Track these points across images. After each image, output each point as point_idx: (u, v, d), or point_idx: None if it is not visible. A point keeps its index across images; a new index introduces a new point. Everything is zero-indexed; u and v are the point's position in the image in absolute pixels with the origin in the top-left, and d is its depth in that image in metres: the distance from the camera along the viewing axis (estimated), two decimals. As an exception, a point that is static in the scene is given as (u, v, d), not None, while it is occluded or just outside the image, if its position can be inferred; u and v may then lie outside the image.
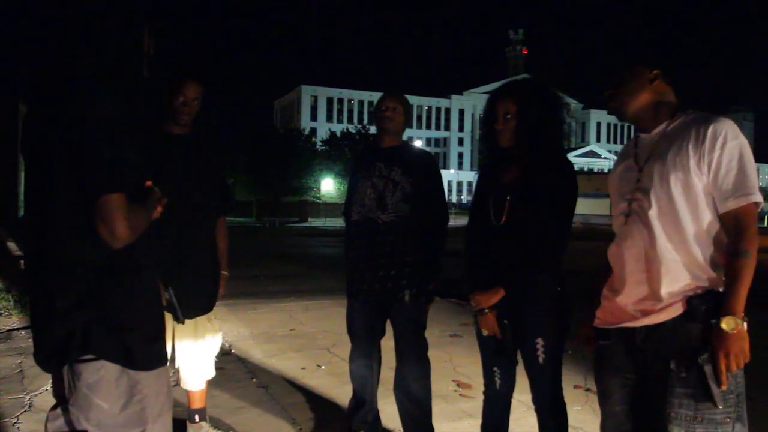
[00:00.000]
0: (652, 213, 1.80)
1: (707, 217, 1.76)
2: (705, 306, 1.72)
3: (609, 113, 1.96)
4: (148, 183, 1.70)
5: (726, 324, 1.64)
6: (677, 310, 1.76)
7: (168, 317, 2.38)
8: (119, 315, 1.60)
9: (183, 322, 2.58)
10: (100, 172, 1.53)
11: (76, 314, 1.56)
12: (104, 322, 1.58)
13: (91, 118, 1.54)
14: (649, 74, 1.87)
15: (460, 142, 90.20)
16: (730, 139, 1.71)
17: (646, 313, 1.82)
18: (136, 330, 1.63)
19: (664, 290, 1.78)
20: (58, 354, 1.60)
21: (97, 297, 1.58)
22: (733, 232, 1.71)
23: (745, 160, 1.71)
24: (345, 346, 3.20)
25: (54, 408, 1.73)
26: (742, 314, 1.65)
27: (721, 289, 1.73)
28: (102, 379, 1.59)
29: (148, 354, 1.67)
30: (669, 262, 1.77)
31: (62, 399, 1.68)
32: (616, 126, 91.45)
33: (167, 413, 1.74)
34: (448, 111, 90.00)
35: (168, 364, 1.83)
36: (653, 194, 1.80)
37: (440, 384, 3.88)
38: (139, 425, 1.64)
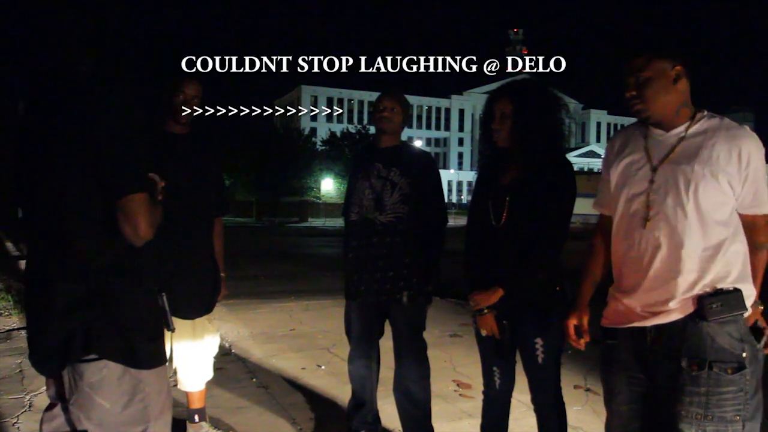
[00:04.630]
0: (683, 221, 1.75)
1: (732, 225, 1.77)
2: (715, 305, 1.72)
3: (630, 113, 1.83)
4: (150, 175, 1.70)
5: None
6: (688, 309, 1.76)
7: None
8: (124, 314, 1.60)
9: (173, 330, 2.50)
10: (124, 172, 1.54)
11: (78, 314, 1.56)
12: (109, 322, 1.58)
13: (113, 117, 1.54)
14: (671, 71, 1.78)
15: (460, 142, 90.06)
16: (759, 156, 1.77)
17: (656, 313, 1.80)
18: (139, 329, 1.64)
19: (679, 295, 1.76)
20: (57, 355, 1.59)
21: (103, 296, 1.58)
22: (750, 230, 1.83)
23: (765, 174, 1.78)
24: (345, 346, 3.19)
25: (49, 408, 1.72)
26: None
27: (731, 287, 1.74)
28: (104, 378, 1.59)
29: (150, 353, 1.67)
30: (691, 270, 1.76)
31: (61, 399, 1.67)
32: (615, 126, 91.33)
33: (168, 411, 1.74)
34: (448, 111, 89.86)
35: (167, 363, 1.82)
36: (679, 201, 1.76)
37: (440, 384, 3.88)
38: (142, 424, 1.65)
